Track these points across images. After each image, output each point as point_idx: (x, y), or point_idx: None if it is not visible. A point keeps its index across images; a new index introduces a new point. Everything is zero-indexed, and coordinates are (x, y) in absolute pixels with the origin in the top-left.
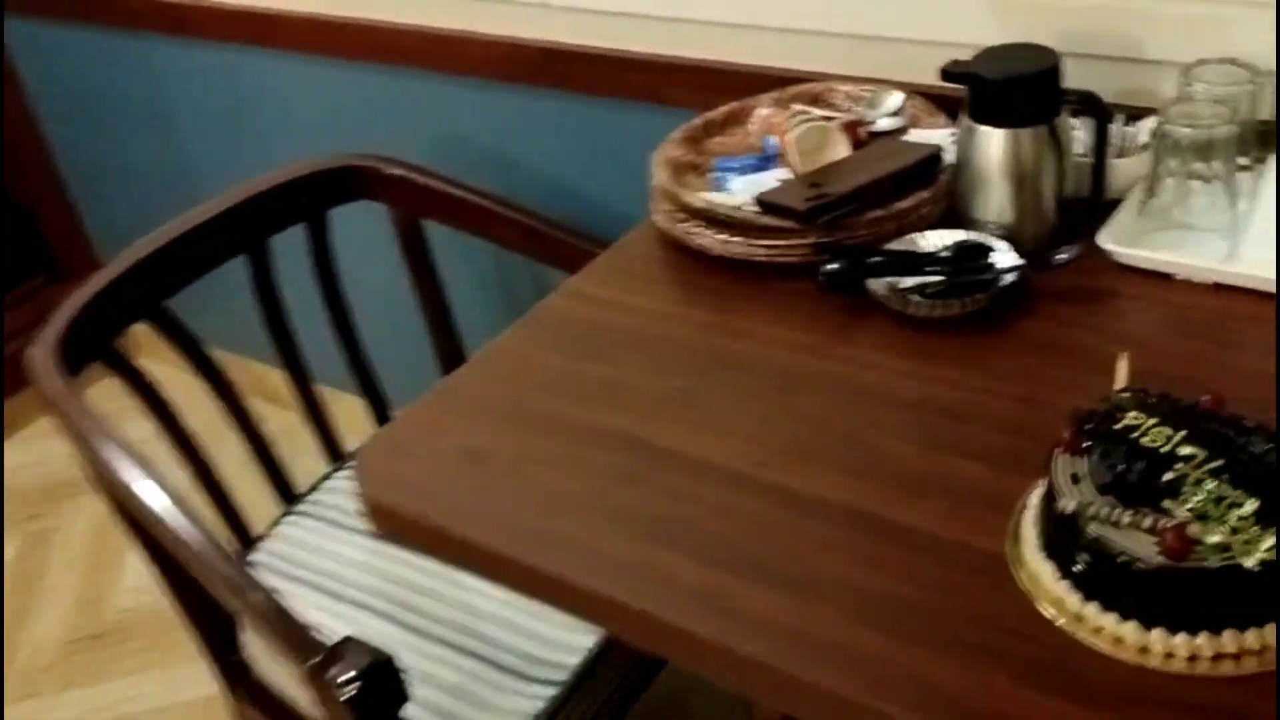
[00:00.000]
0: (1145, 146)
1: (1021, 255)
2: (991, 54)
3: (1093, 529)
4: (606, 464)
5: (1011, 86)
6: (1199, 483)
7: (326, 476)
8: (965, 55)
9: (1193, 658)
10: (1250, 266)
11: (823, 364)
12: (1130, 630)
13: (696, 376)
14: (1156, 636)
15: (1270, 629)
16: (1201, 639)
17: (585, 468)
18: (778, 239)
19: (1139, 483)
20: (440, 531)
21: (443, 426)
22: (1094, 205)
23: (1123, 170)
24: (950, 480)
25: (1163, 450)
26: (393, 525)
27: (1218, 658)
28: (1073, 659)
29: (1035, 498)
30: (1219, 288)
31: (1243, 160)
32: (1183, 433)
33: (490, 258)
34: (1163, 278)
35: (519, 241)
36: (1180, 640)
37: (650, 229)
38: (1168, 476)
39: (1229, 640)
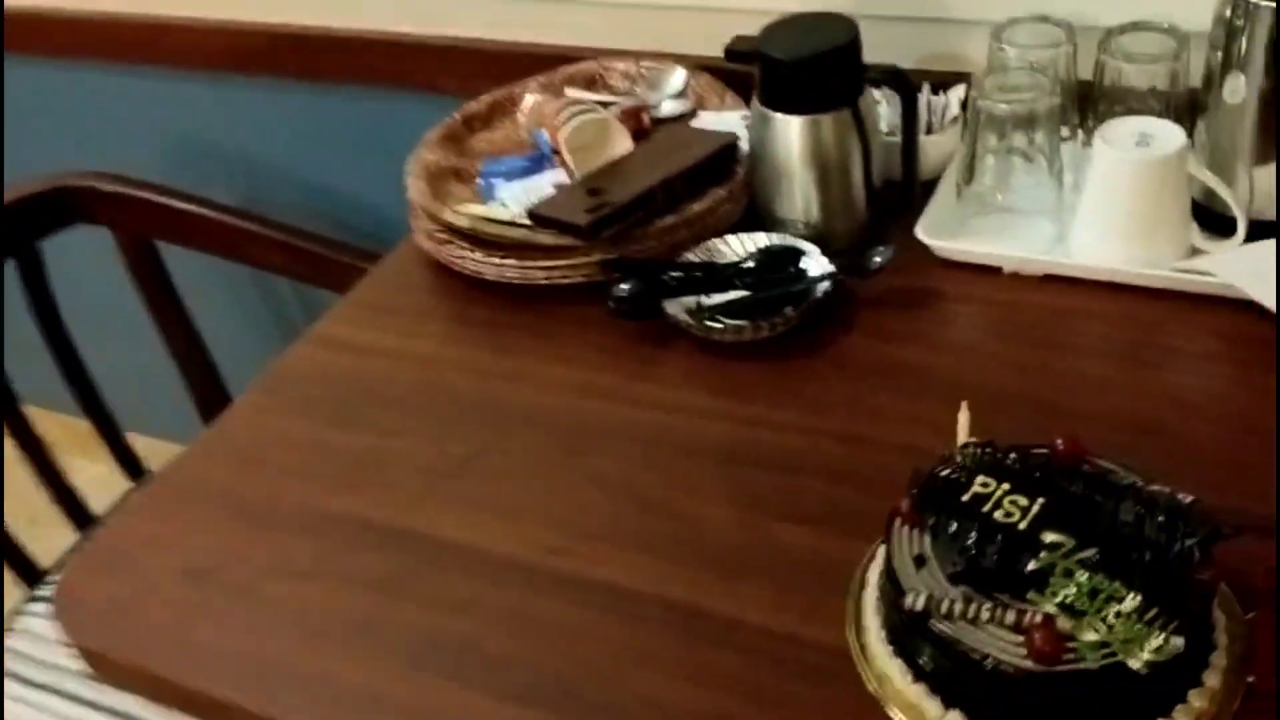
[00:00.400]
0: (957, 119)
1: (834, 257)
2: (781, 27)
3: (946, 628)
4: (366, 571)
5: (807, 67)
6: (1069, 574)
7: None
8: (751, 24)
9: None
10: (1081, 254)
11: (621, 410)
12: None
13: (475, 439)
14: None
15: None
16: None
17: (339, 579)
18: (558, 258)
19: (997, 568)
20: (158, 680)
21: (160, 538)
22: (908, 191)
23: (935, 147)
24: (775, 552)
25: (1021, 527)
26: (107, 671)
27: None
28: None
29: (874, 574)
30: (1049, 279)
31: (1064, 131)
32: (1040, 502)
33: (249, 280)
34: (990, 271)
35: (275, 261)
36: None
37: (412, 250)
38: (1031, 566)
39: None
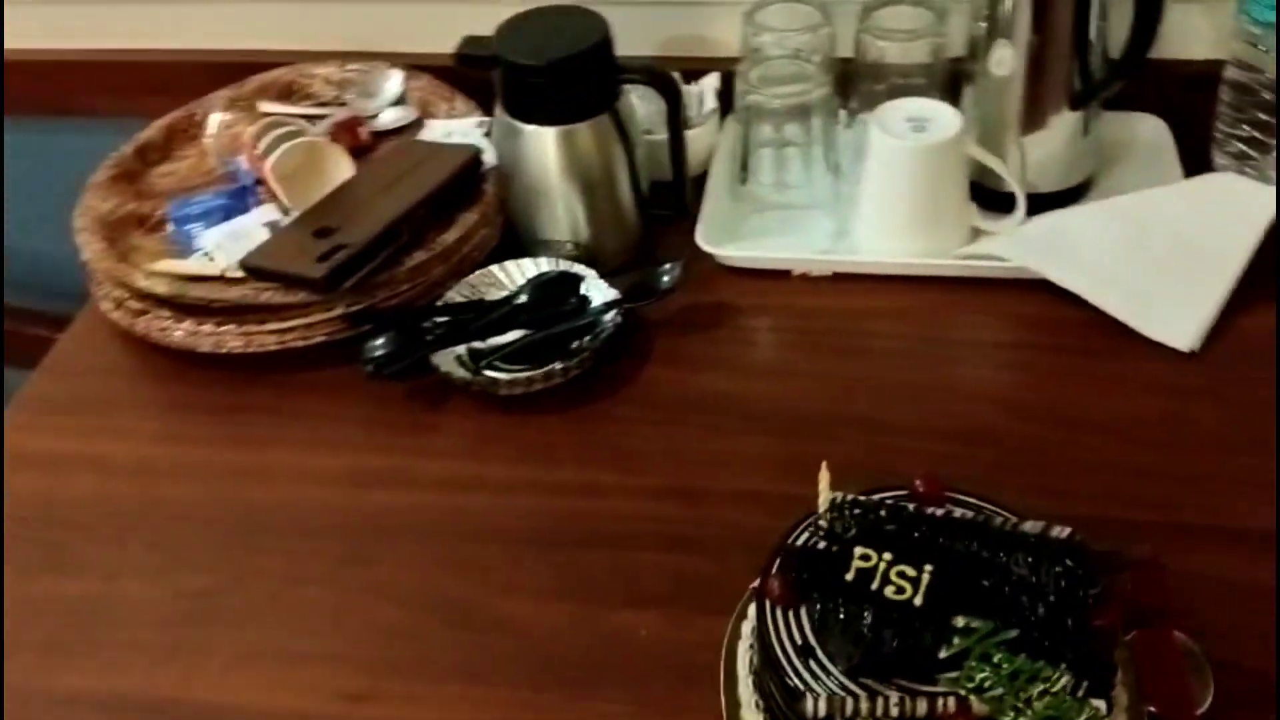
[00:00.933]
0: (715, 110)
1: (615, 281)
2: (518, 24)
3: None
4: None
5: (557, 72)
6: (986, 657)
7: None
8: (471, 16)
9: None
10: (867, 248)
11: (403, 498)
12: None
13: (220, 566)
14: None
15: None
16: None
17: None
18: (290, 319)
19: (897, 653)
20: None
21: None
22: (679, 196)
23: (696, 142)
24: (623, 650)
25: (917, 604)
26: None
27: None
28: None
29: (743, 661)
30: (841, 277)
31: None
32: (928, 570)
33: None
34: (780, 274)
35: None
36: None
37: (94, 322)
38: (943, 652)
39: None
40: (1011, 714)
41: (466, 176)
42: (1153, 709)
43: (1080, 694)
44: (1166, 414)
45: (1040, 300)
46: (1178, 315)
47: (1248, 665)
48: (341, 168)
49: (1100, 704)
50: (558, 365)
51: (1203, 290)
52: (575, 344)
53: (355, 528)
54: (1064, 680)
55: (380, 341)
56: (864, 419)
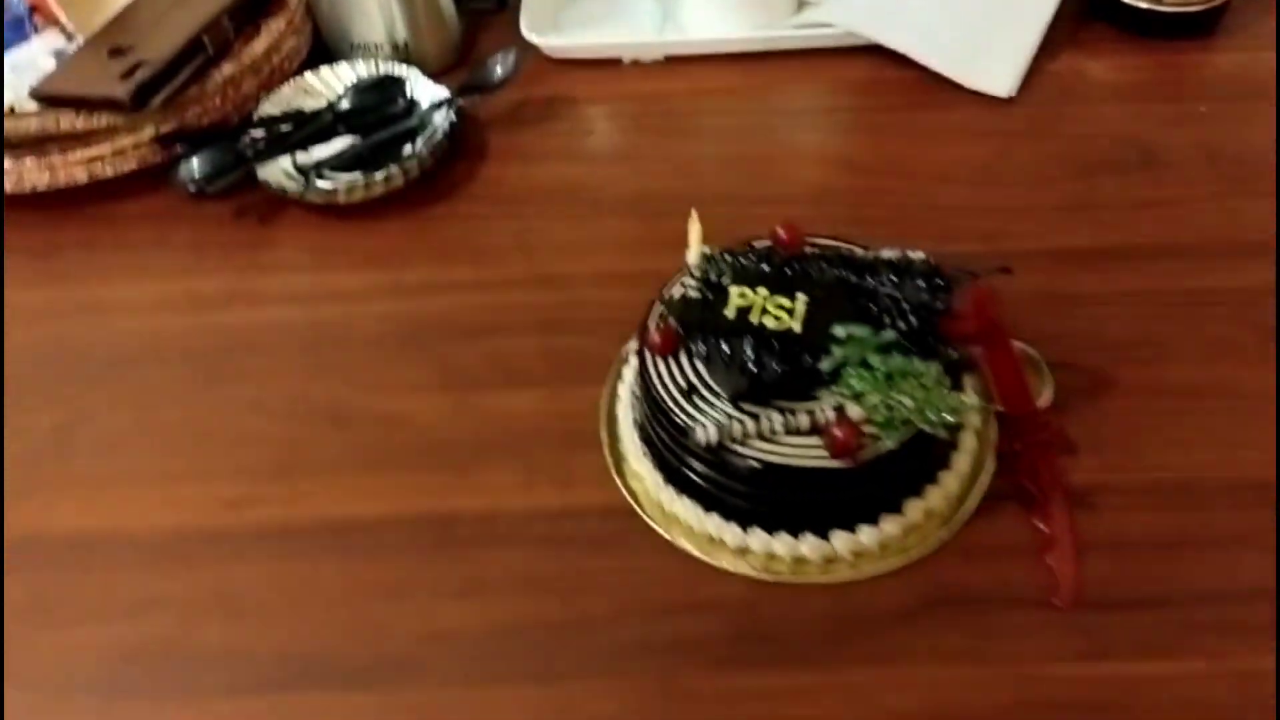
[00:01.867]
0: None
1: (443, 79)
2: None
3: (743, 451)
4: None
5: None
6: (865, 363)
7: None
8: None
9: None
10: (695, 28)
11: (251, 315)
12: (812, 544)
13: (67, 401)
14: (844, 543)
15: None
16: (890, 525)
17: None
18: (95, 145)
19: (781, 377)
20: None
21: None
22: None
23: None
24: (508, 428)
25: (797, 330)
26: None
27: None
28: (763, 609)
29: (625, 417)
30: (673, 61)
31: None
32: (802, 299)
33: None
34: (611, 63)
35: None
36: (869, 536)
37: None
38: (825, 364)
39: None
40: (886, 412)
41: None
42: (1000, 408)
43: (945, 384)
44: (990, 155)
45: (867, 64)
46: (996, 65)
47: (1082, 364)
48: None
49: (968, 395)
50: (395, 169)
51: (1017, 40)
52: (409, 147)
53: (205, 350)
54: (935, 373)
55: (198, 160)
56: (712, 194)
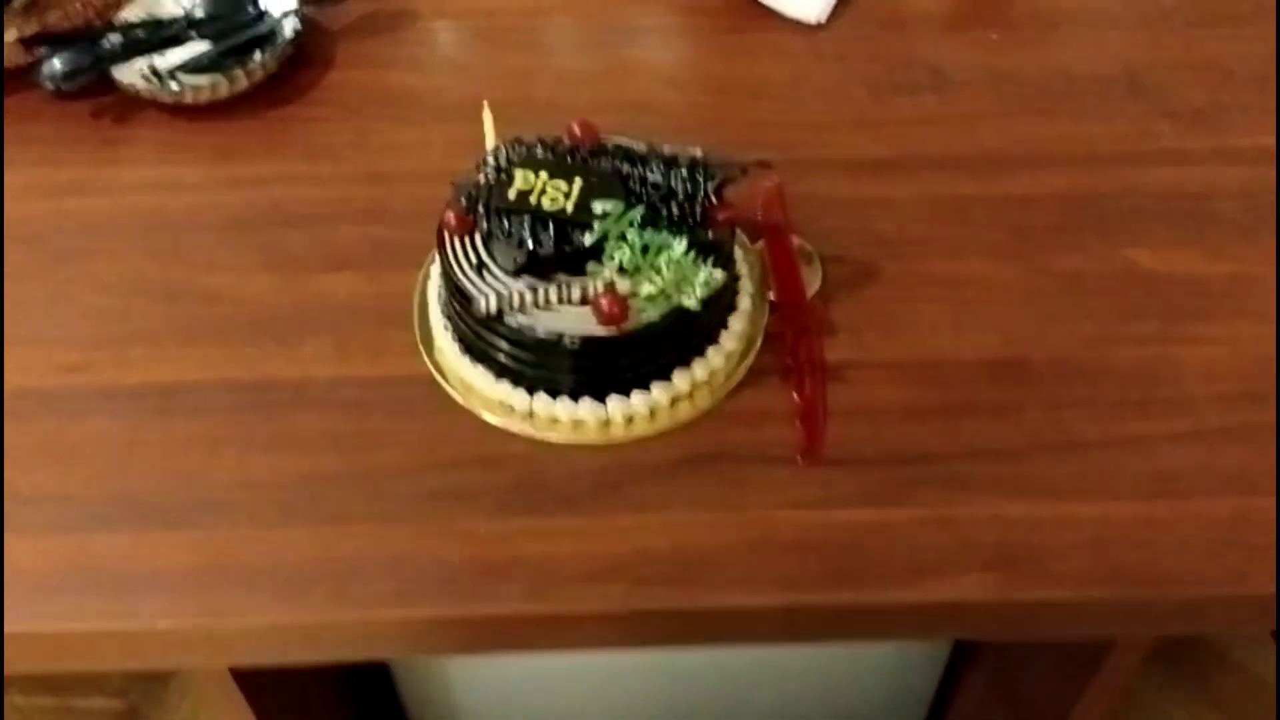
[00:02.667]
0: None
1: None
2: None
3: (520, 320)
4: None
5: None
6: (622, 238)
7: None
8: None
9: (653, 413)
10: None
11: (100, 203)
12: (587, 409)
13: None
14: (617, 408)
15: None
16: (659, 392)
17: None
18: None
19: (555, 253)
20: None
21: None
22: None
23: None
24: (326, 306)
25: (568, 210)
26: None
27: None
28: (543, 464)
29: (433, 294)
30: None
31: None
32: (578, 183)
33: None
34: None
35: None
36: (640, 401)
37: None
38: (587, 240)
39: (686, 379)
40: (648, 285)
41: None
42: (773, 296)
43: (696, 259)
44: (797, 74)
45: None
46: None
47: (851, 257)
48: None
49: (719, 273)
50: (240, 72)
51: None
52: (257, 54)
53: (56, 233)
54: (681, 246)
55: (59, 60)
56: (541, 102)
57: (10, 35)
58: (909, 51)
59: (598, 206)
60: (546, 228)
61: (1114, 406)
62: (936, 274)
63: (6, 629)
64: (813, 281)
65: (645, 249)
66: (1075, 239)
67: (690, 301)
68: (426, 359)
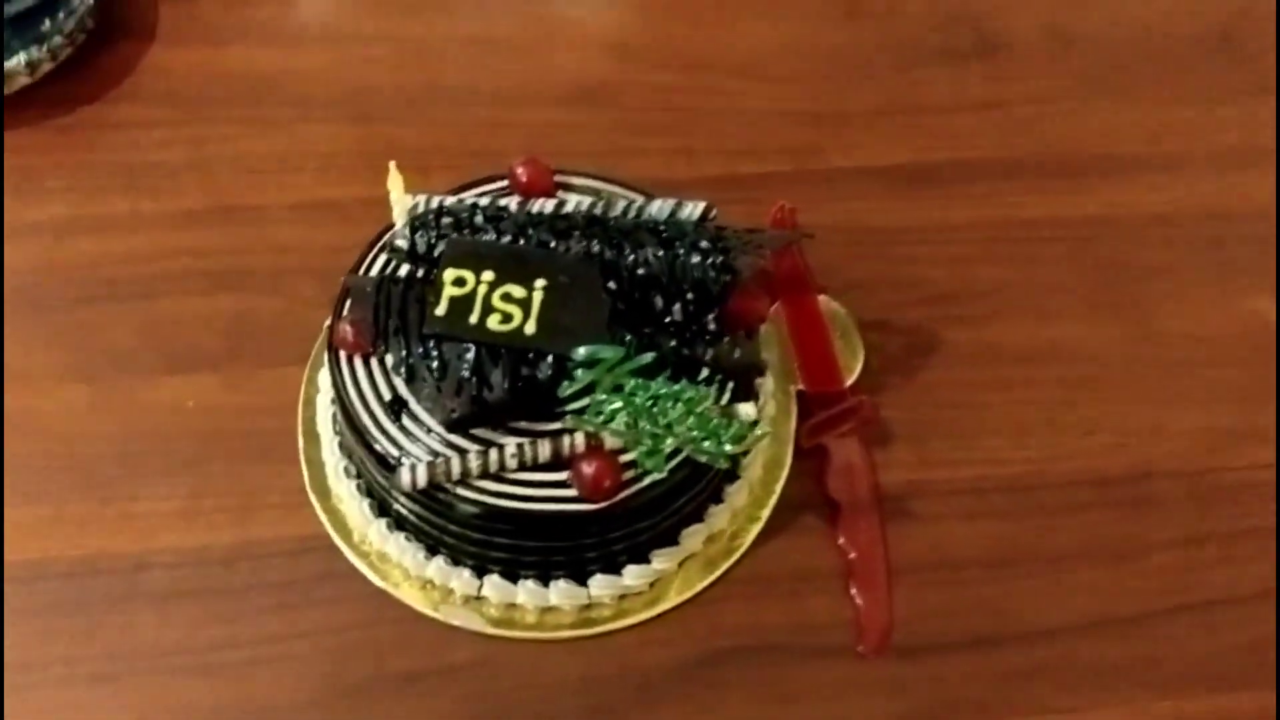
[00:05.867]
0: None
1: None
2: None
3: (464, 494)
4: None
5: None
6: (617, 387)
7: None
8: None
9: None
10: None
11: None
12: (564, 594)
13: None
14: (604, 589)
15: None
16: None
17: None
18: None
19: (510, 397)
20: None
21: None
22: None
23: None
24: (167, 427)
25: (529, 332)
26: None
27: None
28: (500, 675)
29: (325, 419)
30: None
31: None
32: (541, 286)
33: None
34: None
35: None
36: (636, 577)
37: None
38: (564, 388)
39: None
40: (649, 442)
41: None
42: (801, 387)
43: (726, 402)
44: (799, 40)
45: None
46: None
47: (899, 322)
48: None
49: (749, 410)
50: (22, 58)
51: None
52: (45, 25)
53: None
54: (708, 399)
55: None
56: (451, 88)
57: None
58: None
59: (582, 351)
60: (496, 360)
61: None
62: (1013, 344)
63: None
64: (851, 364)
65: (654, 400)
66: (1184, 281)
67: (719, 461)
68: (319, 509)
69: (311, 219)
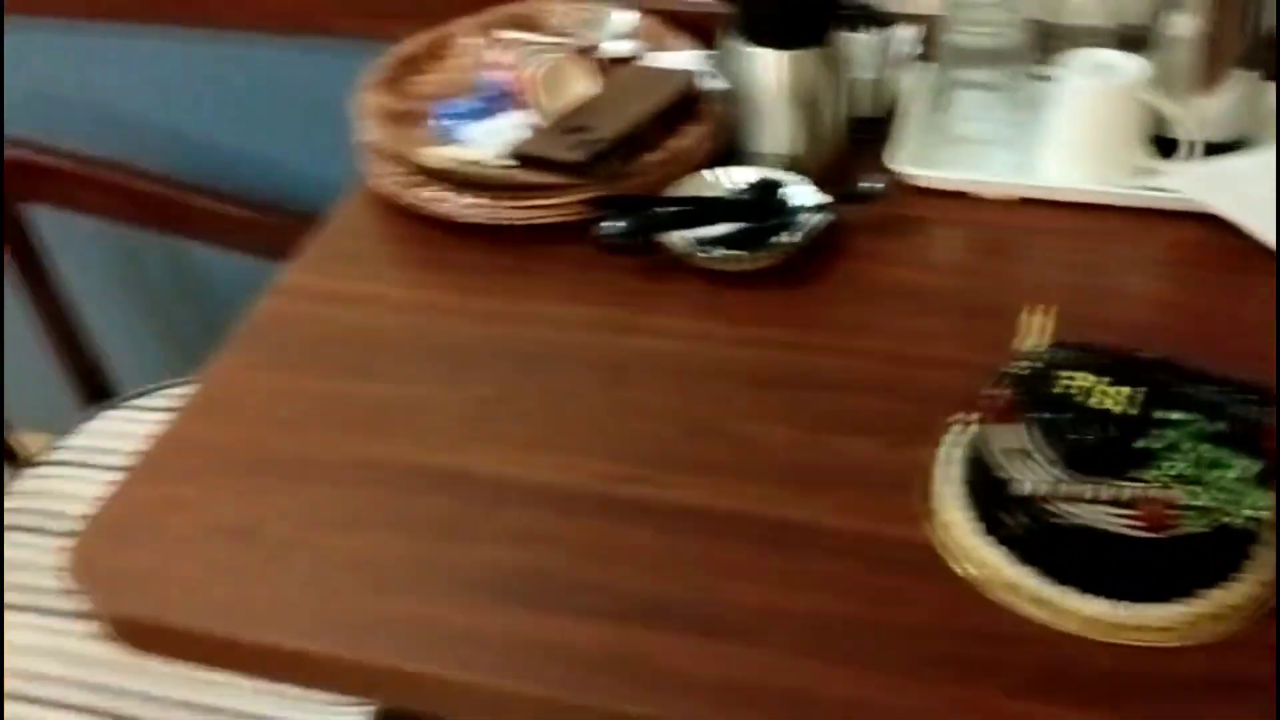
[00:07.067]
0: (909, 56)
1: (818, 187)
2: None
3: (1059, 509)
4: (420, 512)
5: (787, 3)
6: (1183, 447)
7: None
8: None
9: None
10: (1047, 177)
11: (642, 343)
12: (1103, 608)
13: (497, 381)
14: (1131, 610)
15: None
16: (1180, 607)
17: (392, 524)
18: (539, 198)
19: (1101, 452)
20: (229, 643)
21: (180, 501)
22: (876, 124)
23: (894, 84)
24: (840, 464)
25: (1132, 413)
26: (149, 640)
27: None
28: (1056, 651)
29: (948, 473)
30: (1021, 203)
31: (1026, 66)
32: (1143, 390)
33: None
34: (962, 196)
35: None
36: (1161, 611)
37: (367, 197)
38: (1148, 444)
39: (1213, 601)
40: (1204, 498)
41: (687, 95)
42: None
43: (1256, 482)
44: None
45: (1204, 229)
46: None
47: None
48: (585, 85)
49: (1266, 497)
50: (767, 252)
51: None
52: (785, 235)
53: (603, 362)
54: (1249, 467)
55: (619, 222)
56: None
57: (580, 194)
58: None
59: (1174, 414)
60: (1090, 426)
61: None
62: None
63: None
64: None
65: (1212, 463)
66: None
67: (1239, 521)
68: (930, 529)
69: (937, 366)
